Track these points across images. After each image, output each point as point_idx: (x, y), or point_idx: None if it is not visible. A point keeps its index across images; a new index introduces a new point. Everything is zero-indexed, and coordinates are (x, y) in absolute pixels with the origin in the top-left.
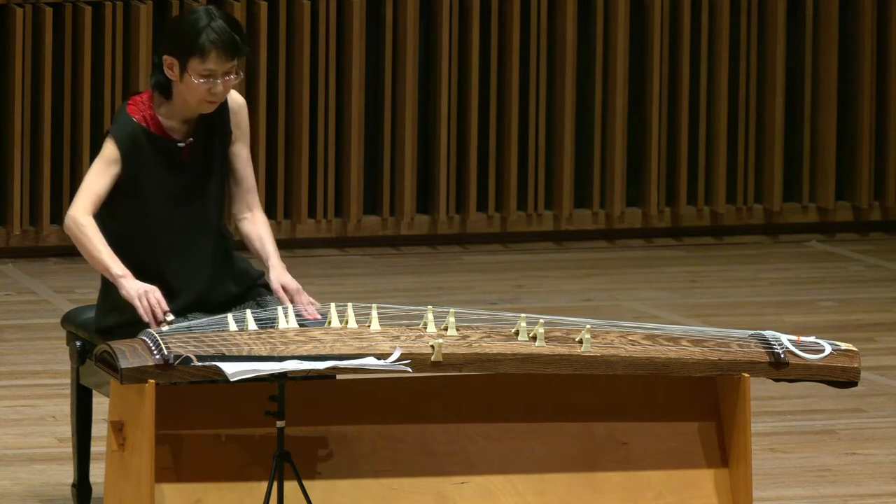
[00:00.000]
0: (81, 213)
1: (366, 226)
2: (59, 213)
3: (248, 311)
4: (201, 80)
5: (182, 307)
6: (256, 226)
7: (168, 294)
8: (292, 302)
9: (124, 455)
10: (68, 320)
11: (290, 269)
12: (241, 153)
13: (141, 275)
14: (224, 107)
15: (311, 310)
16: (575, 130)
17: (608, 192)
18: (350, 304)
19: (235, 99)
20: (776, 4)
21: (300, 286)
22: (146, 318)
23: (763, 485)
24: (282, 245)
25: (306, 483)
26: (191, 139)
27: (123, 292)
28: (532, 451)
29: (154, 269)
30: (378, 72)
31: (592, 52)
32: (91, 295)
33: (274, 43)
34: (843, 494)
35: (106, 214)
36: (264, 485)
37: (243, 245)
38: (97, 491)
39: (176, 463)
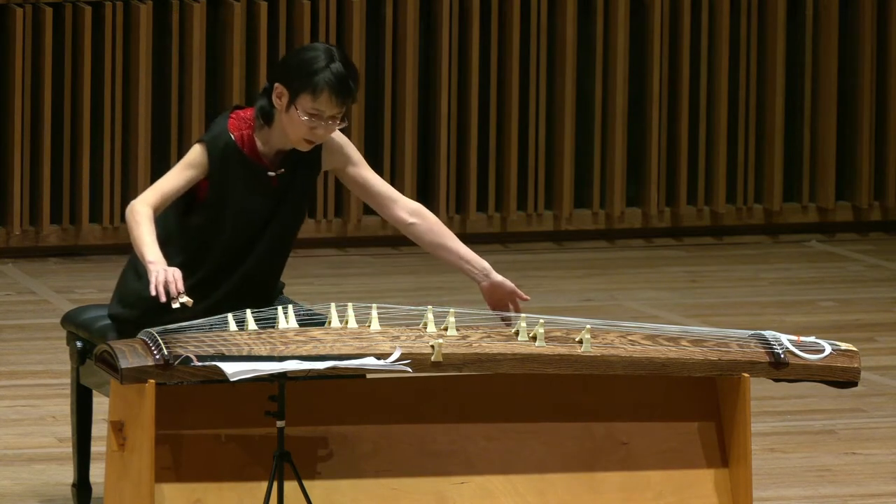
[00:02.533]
0: (141, 203)
1: (366, 226)
2: (59, 213)
3: (248, 312)
4: (306, 118)
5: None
6: (433, 233)
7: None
8: (506, 307)
9: (124, 455)
10: (68, 320)
11: (290, 269)
12: (360, 173)
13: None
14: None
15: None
16: (575, 130)
17: (608, 192)
18: (350, 304)
19: (334, 137)
20: (776, 4)
21: (513, 286)
22: (155, 290)
23: (763, 485)
24: None
25: (306, 483)
26: (282, 170)
27: (147, 272)
28: (532, 451)
29: (203, 278)
30: (378, 72)
31: (592, 52)
32: (91, 295)
33: (274, 43)
34: (843, 494)
35: (181, 212)
36: (264, 485)
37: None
38: (97, 491)
39: (176, 463)
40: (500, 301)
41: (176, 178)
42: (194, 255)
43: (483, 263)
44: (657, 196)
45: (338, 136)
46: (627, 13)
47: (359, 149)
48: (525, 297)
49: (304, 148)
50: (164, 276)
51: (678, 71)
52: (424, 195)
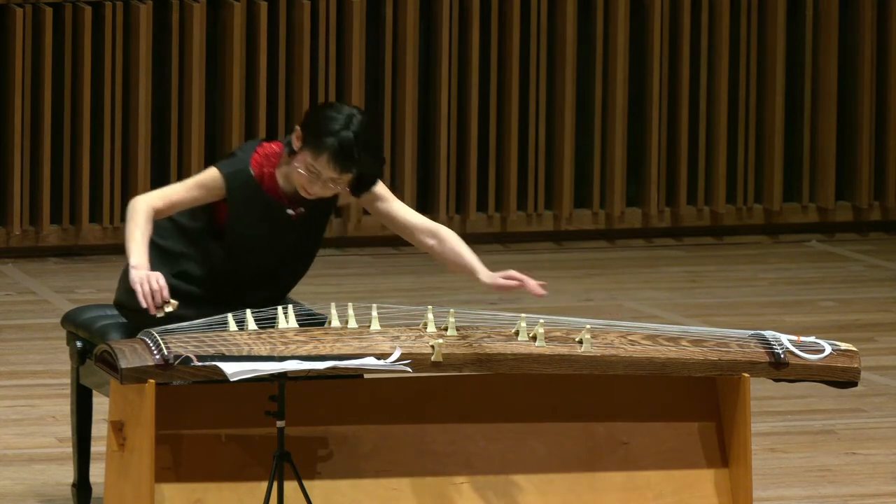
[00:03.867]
0: (144, 203)
1: (366, 226)
2: (59, 213)
3: (248, 311)
4: (303, 172)
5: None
6: (447, 244)
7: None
8: (515, 287)
9: (124, 455)
10: (68, 320)
11: None
12: (384, 208)
13: (199, 289)
14: None
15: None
16: (575, 130)
17: (608, 192)
18: (350, 304)
19: None
20: (776, 4)
21: (514, 274)
22: (144, 302)
23: (763, 485)
24: None
25: (306, 483)
26: (301, 209)
27: (130, 279)
28: (532, 451)
29: (212, 299)
30: (378, 72)
31: (592, 52)
32: (91, 295)
33: (274, 43)
34: (843, 494)
35: (193, 227)
36: (264, 485)
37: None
38: (97, 491)
39: (176, 463)
40: (509, 289)
41: (186, 192)
42: (212, 278)
43: (483, 272)
44: (657, 196)
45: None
46: (627, 13)
47: None
48: (536, 288)
49: (303, 195)
50: (148, 285)
51: (678, 71)
52: (424, 195)
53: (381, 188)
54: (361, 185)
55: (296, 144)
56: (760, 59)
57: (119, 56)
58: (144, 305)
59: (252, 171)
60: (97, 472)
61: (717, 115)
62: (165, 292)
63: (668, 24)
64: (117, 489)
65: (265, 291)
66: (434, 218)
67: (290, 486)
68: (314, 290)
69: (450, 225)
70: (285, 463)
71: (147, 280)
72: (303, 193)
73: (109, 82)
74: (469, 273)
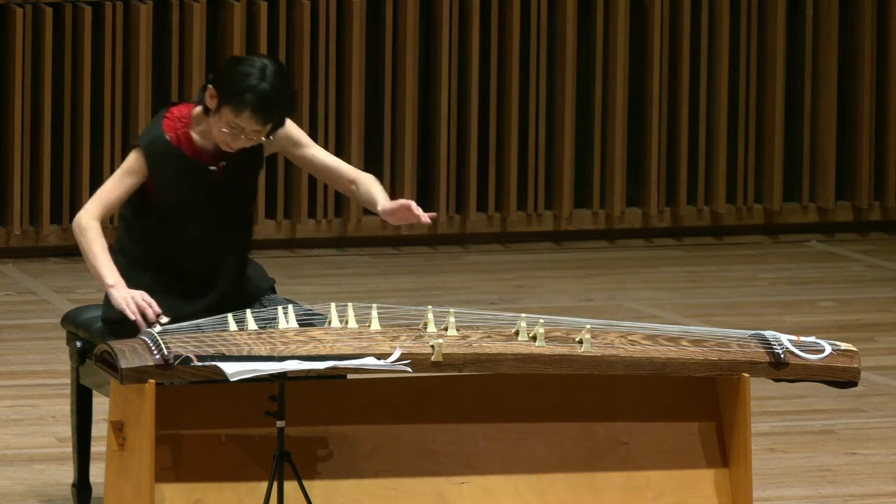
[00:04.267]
0: (88, 217)
1: (366, 226)
2: (59, 213)
3: (248, 311)
4: (226, 130)
5: (188, 313)
6: (363, 186)
7: (180, 298)
8: (406, 218)
9: (124, 455)
10: (68, 320)
11: (290, 269)
12: (305, 153)
13: (160, 274)
14: None
15: (421, 214)
16: (575, 130)
17: (608, 192)
18: (350, 304)
19: None
20: (776, 4)
21: (408, 201)
22: (138, 321)
23: (763, 485)
24: (282, 245)
25: (306, 483)
26: (223, 163)
27: (113, 302)
28: (532, 451)
29: (172, 277)
30: (378, 72)
31: (592, 52)
32: (91, 295)
33: (274, 43)
34: (843, 494)
35: (133, 216)
36: (264, 485)
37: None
38: (97, 491)
39: (176, 463)
40: (400, 216)
41: (117, 186)
42: (157, 255)
43: (385, 197)
44: (657, 196)
45: (283, 133)
46: (627, 13)
47: (358, 150)
48: (422, 215)
49: (226, 149)
50: (134, 303)
51: (678, 71)
52: (424, 195)
53: (299, 133)
54: (275, 128)
55: (210, 103)
56: (760, 59)
57: (119, 56)
58: (139, 324)
59: (167, 136)
60: (97, 472)
61: (717, 115)
62: (155, 306)
63: (668, 24)
64: (117, 489)
65: (219, 263)
66: (434, 218)
67: (290, 486)
68: (314, 290)
69: (450, 225)
70: (285, 463)
71: (132, 299)
72: (226, 149)
73: (109, 82)
74: (372, 206)
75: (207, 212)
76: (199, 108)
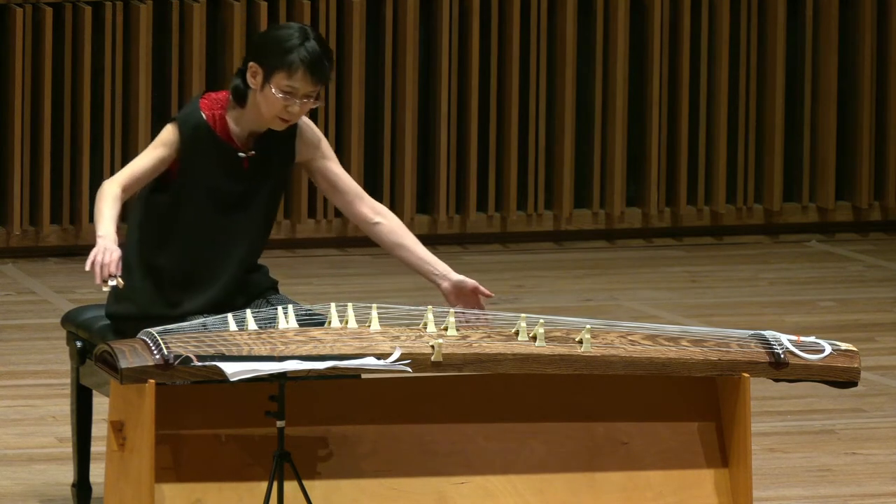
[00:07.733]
0: (110, 183)
1: None
2: (59, 213)
3: (248, 311)
4: (281, 95)
5: (191, 308)
6: (395, 234)
7: (182, 289)
8: (471, 306)
9: (124, 455)
10: (68, 320)
11: (290, 269)
12: (331, 168)
13: (166, 259)
14: (292, 127)
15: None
16: (575, 130)
17: (608, 192)
18: (350, 304)
19: (305, 120)
20: (776, 4)
21: (476, 283)
22: (90, 268)
23: (763, 485)
24: (282, 245)
25: (306, 483)
26: (253, 152)
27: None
28: (532, 451)
29: (181, 261)
30: (378, 72)
31: (592, 52)
32: (91, 295)
33: None
34: (843, 494)
35: (150, 192)
36: (264, 485)
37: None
38: (97, 491)
39: (176, 463)
40: (465, 301)
41: (147, 157)
42: (166, 235)
43: (443, 265)
44: (657, 196)
45: (315, 130)
46: (627, 13)
47: (358, 150)
48: (488, 293)
49: (279, 127)
50: (101, 256)
51: (678, 71)
52: (424, 195)
53: (329, 148)
54: (323, 87)
55: (254, 81)
56: (760, 59)
57: (119, 56)
58: (93, 274)
59: (203, 114)
60: (97, 472)
61: (717, 115)
62: (114, 267)
63: (668, 24)
64: (117, 489)
65: (229, 254)
66: (434, 218)
67: (290, 486)
68: (314, 290)
69: (450, 225)
70: (285, 463)
71: (102, 252)
72: (279, 123)
73: (109, 82)
74: (415, 262)
75: (227, 197)
76: (233, 97)
